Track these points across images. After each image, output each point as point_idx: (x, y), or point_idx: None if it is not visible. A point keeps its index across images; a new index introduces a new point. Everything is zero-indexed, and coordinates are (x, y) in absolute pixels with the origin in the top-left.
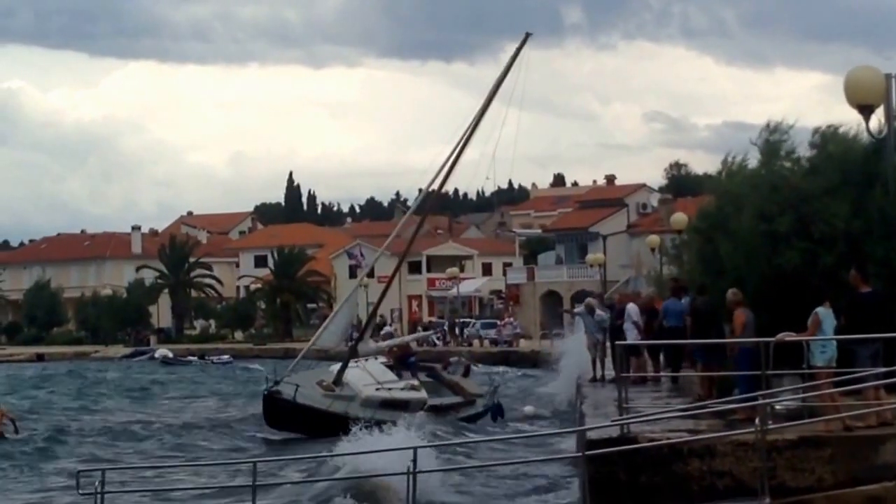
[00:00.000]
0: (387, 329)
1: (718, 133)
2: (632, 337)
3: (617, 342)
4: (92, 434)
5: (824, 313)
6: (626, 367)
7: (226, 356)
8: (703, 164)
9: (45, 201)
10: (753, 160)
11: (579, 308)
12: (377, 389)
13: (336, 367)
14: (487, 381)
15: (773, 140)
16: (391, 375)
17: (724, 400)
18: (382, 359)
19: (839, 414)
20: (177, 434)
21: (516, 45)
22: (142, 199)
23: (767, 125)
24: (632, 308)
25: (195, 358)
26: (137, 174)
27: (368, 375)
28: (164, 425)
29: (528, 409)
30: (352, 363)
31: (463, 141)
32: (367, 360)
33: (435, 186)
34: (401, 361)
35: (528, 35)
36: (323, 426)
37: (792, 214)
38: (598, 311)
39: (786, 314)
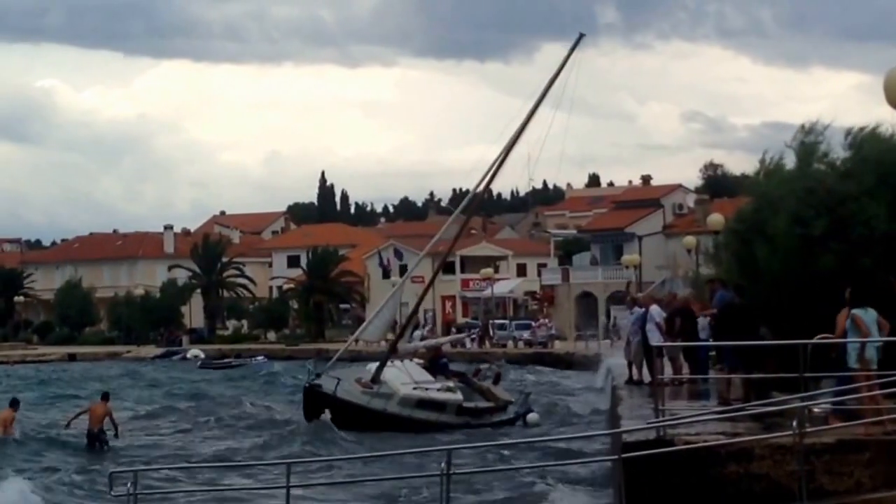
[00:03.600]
0: (418, 332)
1: (757, 133)
2: (654, 339)
3: (652, 344)
4: None
5: (863, 314)
6: (660, 369)
7: (260, 357)
8: (742, 164)
9: (79, 201)
10: (791, 161)
11: (618, 308)
12: (414, 389)
13: (372, 365)
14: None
15: (808, 142)
16: (427, 376)
17: (761, 402)
18: (417, 360)
19: (880, 417)
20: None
21: (552, 44)
22: (176, 198)
23: (802, 127)
24: (654, 309)
25: (232, 359)
26: (171, 174)
27: (405, 375)
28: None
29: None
30: (388, 363)
31: (511, 143)
32: (402, 360)
33: (479, 187)
34: (432, 363)
35: (581, 36)
36: (360, 422)
37: (828, 217)
38: (637, 309)
39: (823, 317)
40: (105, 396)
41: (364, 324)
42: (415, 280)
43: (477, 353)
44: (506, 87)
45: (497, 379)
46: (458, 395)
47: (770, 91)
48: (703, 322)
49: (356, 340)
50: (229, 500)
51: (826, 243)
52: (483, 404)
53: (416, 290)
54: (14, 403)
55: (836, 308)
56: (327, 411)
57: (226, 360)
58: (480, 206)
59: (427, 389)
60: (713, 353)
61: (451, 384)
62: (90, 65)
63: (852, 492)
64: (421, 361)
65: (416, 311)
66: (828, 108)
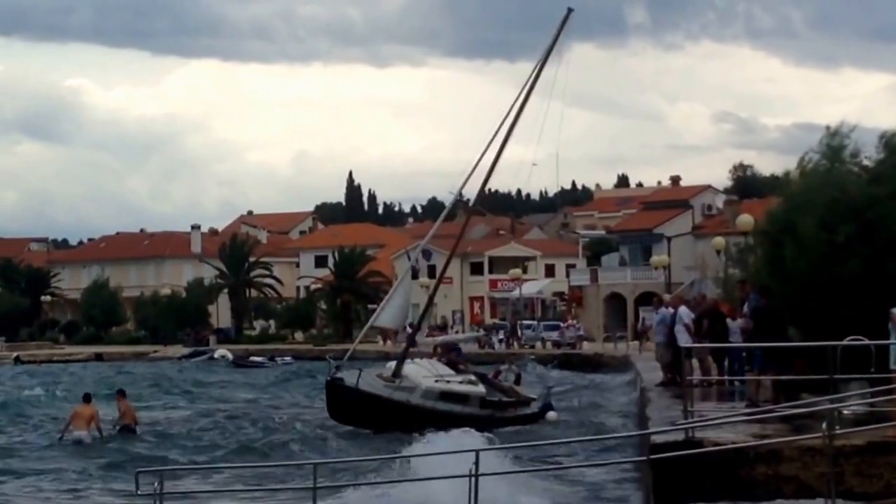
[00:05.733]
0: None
1: (788, 134)
2: (683, 340)
3: (680, 345)
4: None
5: None
6: (688, 371)
7: (288, 357)
8: (774, 165)
9: (107, 200)
10: (822, 164)
11: (648, 309)
12: (436, 381)
13: (392, 363)
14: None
15: (834, 145)
16: (448, 370)
17: (790, 404)
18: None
19: None
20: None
21: (581, 44)
22: (203, 198)
23: (827, 129)
24: (683, 311)
25: (264, 359)
26: (199, 173)
27: (426, 369)
28: None
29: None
30: (408, 361)
31: (504, 135)
32: (422, 358)
33: (463, 186)
34: (448, 352)
35: (570, 11)
36: (385, 416)
37: (855, 222)
38: (663, 310)
39: (851, 319)
40: (122, 392)
41: (377, 311)
42: (445, 282)
43: (504, 353)
44: (535, 87)
45: (518, 380)
46: (481, 388)
47: (801, 92)
48: (734, 325)
49: (373, 330)
50: (255, 500)
51: (853, 247)
52: (506, 398)
53: (442, 290)
54: (87, 398)
55: (862, 311)
56: None
57: (257, 360)
58: (509, 206)
59: (449, 382)
60: (744, 354)
61: (472, 377)
62: (118, 64)
63: (882, 494)
64: (443, 360)
65: (430, 304)
66: (858, 109)
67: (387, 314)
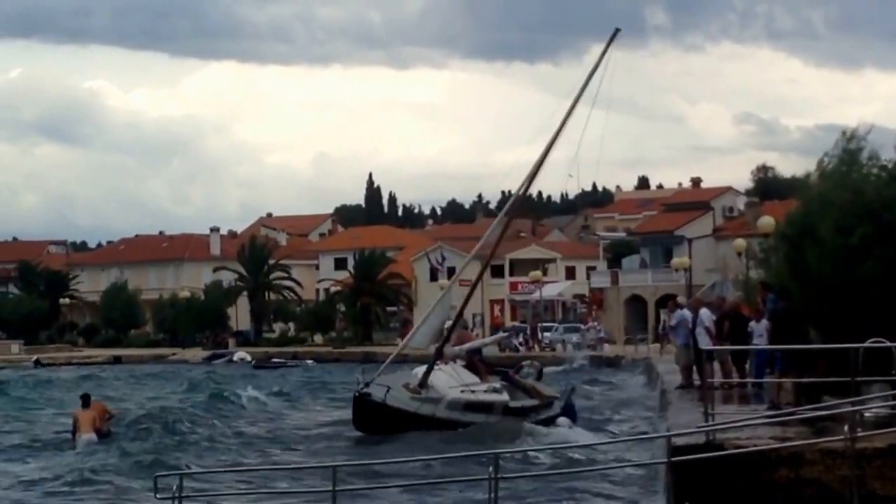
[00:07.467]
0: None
1: (811, 136)
2: (703, 343)
3: (701, 348)
4: None
5: None
6: (709, 373)
7: (309, 361)
8: (796, 167)
9: (126, 202)
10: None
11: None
12: (461, 392)
13: (418, 369)
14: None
15: (850, 148)
16: (473, 378)
17: (812, 407)
18: (461, 361)
19: None
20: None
21: (602, 45)
22: (223, 200)
23: (843, 132)
24: (704, 313)
25: (287, 360)
26: (219, 175)
27: (452, 378)
28: None
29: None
30: (435, 366)
31: (550, 144)
32: (447, 362)
33: (519, 189)
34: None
35: (616, 31)
36: (412, 428)
37: (872, 224)
38: (680, 311)
39: (872, 321)
40: (86, 401)
41: (411, 332)
42: (463, 283)
43: (525, 355)
44: (556, 88)
45: (539, 375)
46: (504, 396)
47: (823, 93)
48: (758, 328)
49: (404, 348)
50: (273, 501)
51: (869, 249)
52: (529, 403)
53: (464, 293)
54: (86, 402)
55: (882, 313)
56: None
57: (279, 361)
58: (530, 208)
59: (474, 391)
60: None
61: (497, 385)
62: (137, 66)
63: None
64: (464, 362)
65: (460, 314)
66: (880, 110)
67: (422, 335)
